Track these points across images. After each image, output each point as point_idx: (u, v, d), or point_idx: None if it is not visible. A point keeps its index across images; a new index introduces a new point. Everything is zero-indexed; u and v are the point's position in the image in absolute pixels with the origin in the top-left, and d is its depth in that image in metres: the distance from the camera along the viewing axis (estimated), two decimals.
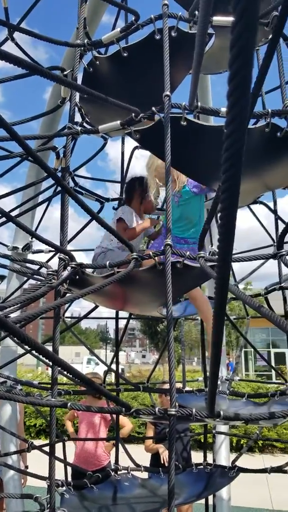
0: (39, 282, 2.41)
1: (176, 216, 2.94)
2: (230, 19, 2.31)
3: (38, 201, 3.86)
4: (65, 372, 2.30)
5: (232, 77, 0.58)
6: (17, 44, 3.16)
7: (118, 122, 2.28)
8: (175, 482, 3.03)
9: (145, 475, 3.42)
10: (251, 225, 4.02)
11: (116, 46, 2.61)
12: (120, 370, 4.36)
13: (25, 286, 4.04)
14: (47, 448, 3.19)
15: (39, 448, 3.07)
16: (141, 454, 4.17)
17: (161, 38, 2.33)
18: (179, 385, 4.80)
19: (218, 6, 2.41)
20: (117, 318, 3.71)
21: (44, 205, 3.91)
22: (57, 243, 2.50)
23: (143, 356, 61.82)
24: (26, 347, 2.51)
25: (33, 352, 2.50)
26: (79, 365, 31.00)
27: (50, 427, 2.17)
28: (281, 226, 3.42)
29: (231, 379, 3.96)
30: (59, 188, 3.40)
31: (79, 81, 2.69)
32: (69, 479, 3.87)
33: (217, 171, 2.32)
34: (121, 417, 4.35)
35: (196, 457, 4.84)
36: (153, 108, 2.21)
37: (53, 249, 3.26)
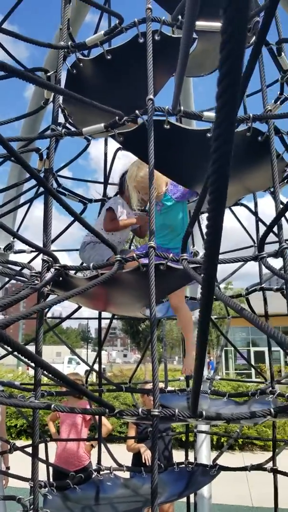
0: (21, 284, 2.41)
1: (158, 224, 2.94)
2: (213, 24, 2.34)
3: (20, 201, 3.85)
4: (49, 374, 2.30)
5: (222, 79, 0.59)
6: None
7: (102, 125, 2.29)
8: (157, 481, 3.07)
9: (127, 474, 3.43)
10: (231, 225, 4.07)
11: (100, 48, 2.62)
12: (101, 370, 4.36)
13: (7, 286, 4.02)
14: (29, 449, 3.20)
15: (22, 449, 3.06)
16: (123, 453, 4.18)
17: (144, 42, 2.35)
18: (161, 385, 4.83)
19: (201, 10, 2.44)
20: (100, 318, 3.72)
21: (26, 204, 3.89)
22: (39, 242, 2.50)
23: (125, 356, 61.82)
24: (8, 348, 2.50)
25: (15, 353, 2.50)
26: (60, 365, 30.83)
27: (33, 428, 2.18)
28: (262, 228, 3.48)
29: (212, 378, 4.00)
30: (41, 189, 3.40)
31: (63, 82, 2.69)
32: (50, 479, 3.87)
33: (199, 174, 2.35)
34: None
35: (177, 455, 4.88)
36: (137, 112, 2.23)
37: (35, 250, 3.25)
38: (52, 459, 4.81)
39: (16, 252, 4.25)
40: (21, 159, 2.09)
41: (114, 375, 21.01)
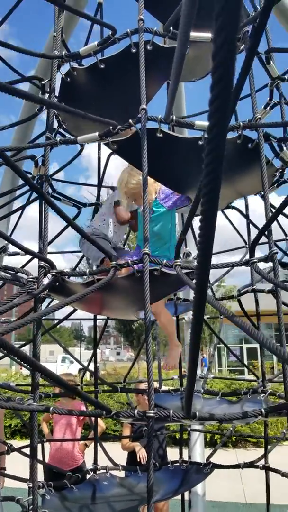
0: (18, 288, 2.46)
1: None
2: (204, 34, 2.40)
3: (13, 205, 3.89)
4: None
5: (214, 85, 0.63)
6: None
7: (97, 134, 2.34)
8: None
9: (122, 473, 3.49)
10: (224, 223, 4.15)
11: (93, 56, 2.67)
12: (92, 368, 4.41)
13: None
14: (26, 450, 3.25)
15: (19, 450, 3.11)
16: (117, 452, 4.24)
17: (137, 51, 2.40)
18: (155, 384, 4.90)
19: (196, 23, 2.50)
20: (95, 319, 3.78)
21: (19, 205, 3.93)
22: (32, 241, 2.54)
23: (118, 354, 61.89)
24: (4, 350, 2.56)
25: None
26: (53, 364, 30.82)
27: (32, 430, 2.23)
28: (252, 229, 3.55)
29: (206, 377, 4.07)
30: (35, 194, 3.45)
31: (57, 90, 2.73)
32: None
33: (192, 180, 2.43)
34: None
35: (171, 453, 4.95)
36: (130, 121, 2.28)
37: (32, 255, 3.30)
38: (45, 459, 4.86)
39: (10, 255, 4.29)
40: (16, 167, 2.14)
41: (107, 373, 21.08)
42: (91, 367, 4.13)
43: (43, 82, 2.77)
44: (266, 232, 2.40)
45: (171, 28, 2.39)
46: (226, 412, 3.04)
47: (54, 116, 2.85)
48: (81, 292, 1.93)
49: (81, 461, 5.24)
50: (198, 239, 0.87)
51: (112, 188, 4.48)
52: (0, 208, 3.66)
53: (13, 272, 2.80)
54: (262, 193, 2.78)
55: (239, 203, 3.61)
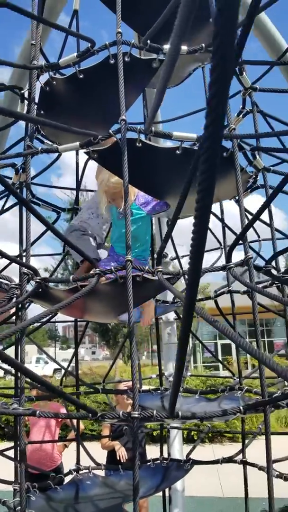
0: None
1: (122, 232, 3.06)
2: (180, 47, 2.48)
3: None
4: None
5: (211, 98, 0.70)
6: None
7: (78, 143, 2.40)
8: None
9: (102, 472, 3.56)
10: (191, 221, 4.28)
11: (72, 66, 2.73)
12: (70, 369, 4.47)
13: None
14: (8, 452, 3.29)
15: (3, 453, 3.15)
16: (96, 451, 4.30)
17: (115, 63, 2.48)
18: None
19: (168, 35, 2.59)
20: (76, 322, 3.83)
21: None
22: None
23: (93, 353, 61.71)
24: None
25: None
26: (27, 365, 30.28)
27: (18, 434, 2.28)
28: (227, 232, 3.68)
29: (184, 376, 4.18)
30: (11, 198, 3.49)
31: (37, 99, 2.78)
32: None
33: (169, 186, 2.52)
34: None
35: (149, 451, 5.06)
36: (110, 131, 2.36)
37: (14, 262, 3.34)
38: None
39: None
40: None
41: (83, 373, 21.03)
42: (66, 367, 4.19)
43: (22, 91, 2.80)
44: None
45: (149, 41, 2.47)
46: (204, 410, 3.16)
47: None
48: (66, 300, 1.99)
49: (59, 462, 5.30)
50: (191, 242, 0.94)
51: (92, 190, 4.54)
52: None
53: None
54: (237, 198, 2.92)
55: (214, 207, 3.72)
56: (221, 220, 3.60)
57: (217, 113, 0.74)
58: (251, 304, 2.44)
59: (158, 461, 3.44)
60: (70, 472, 3.21)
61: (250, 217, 2.79)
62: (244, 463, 3.24)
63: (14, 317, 3.27)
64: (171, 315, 4.60)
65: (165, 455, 3.84)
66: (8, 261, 4.05)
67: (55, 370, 23.44)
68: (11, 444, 3.16)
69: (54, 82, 2.71)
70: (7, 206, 3.51)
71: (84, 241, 3.42)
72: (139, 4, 3.00)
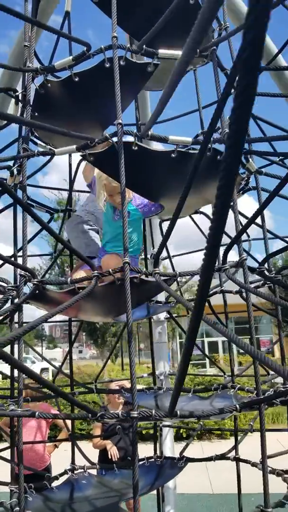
0: None
1: (119, 232, 3.09)
2: (175, 52, 2.53)
3: None
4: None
5: (236, 108, 0.72)
6: None
7: (74, 146, 2.43)
8: (129, 476, 3.26)
9: (94, 471, 3.58)
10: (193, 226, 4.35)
11: (67, 69, 2.75)
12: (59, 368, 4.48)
13: None
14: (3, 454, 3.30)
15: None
16: (87, 450, 4.33)
17: (110, 66, 2.50)
18: (126, 383, 5.02)
19: (162, 39, 2.63)
20: (70, 321, 3.85)
21: None
22: None
23: (80, 352, 61.50)
24: None
25: None
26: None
27: (18, 435, 2.30)
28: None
29: (175, 374, 4.23)
30: (2, 199, 3.49)
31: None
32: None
33: (164, 189, 2.56)
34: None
35: (139, 449, 5.08)
36: (107, 135, 2.38)
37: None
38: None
39: None
40: None
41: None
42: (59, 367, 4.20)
43: (17, 94, 2.81)
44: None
45: (144, 46, 2.50)
46: (196, 408, 3.20)
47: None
48: (67, 303, 2.01)
49: (48, 462, 5.32)
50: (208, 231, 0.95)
51: (85, 191, 4.55)
52: None
53: None
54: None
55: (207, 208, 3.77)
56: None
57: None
58: (243, 303, 2.49)
59: (152, 459, 3.47)
60: (65, 472, 3.23)
61: (241, 218, 2.85)
62: (237, 460, 3.30)
63: (6, 318, 3.27)
64: (162, 315, 4.64)
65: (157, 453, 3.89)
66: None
67: (42, 370, 23.36)
68: (7, 444, 3.17)
69: (49, 85, 2.72)
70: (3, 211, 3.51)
71: (88, 238, 3.43)
72: (132, 7, 3.03)
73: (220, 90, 2.68)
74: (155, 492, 4.11)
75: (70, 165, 3.88)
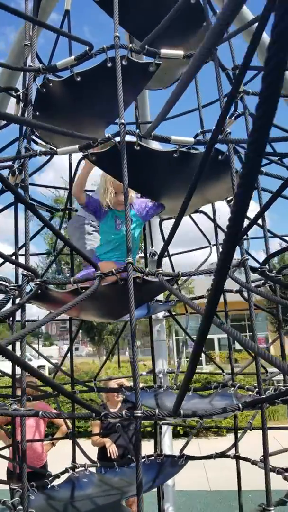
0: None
1: (119, 242, 3.08)
2: (176, 52, 2.53)
3: None
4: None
5: (259, 117, 0.73)
6: None
7: (77, 146, 2.43)
8: (129, 474, 3.28)
9: (93, 469, 3.58)
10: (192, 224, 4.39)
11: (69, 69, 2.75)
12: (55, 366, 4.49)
13: None
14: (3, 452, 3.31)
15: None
16: (86, 448, 4.34)
17: (112, 66, 2.50)
18: (125, 381, 5.04)
19: (162, 39, 2.63)
20: (71, 320, 3.85)
21: None
22: None
23: (76, 349, 61.47)
24: None
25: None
26: (9, 362, 30.25)
27: (21, 434, 2.31)
28: (220, 233, 3.75)
29: (177, 374, 4.26)
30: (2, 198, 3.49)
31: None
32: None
33: (165, 188, 2.56)
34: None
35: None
36: (109, 135, 2.39)
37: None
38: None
39: None
40: (1, 176, 2.19)
41: (68, 370, 20.93)
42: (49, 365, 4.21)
43: (18, 93, 2.81)
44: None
45: (147, 46, 2.49)
46: (198, 407, 3.22)
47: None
48: (70, 303, 2.02)
49: (45, 460, 5.34)
50: (226, 230, 0.95)
51: (88, 190, 4.54)
52: None
53: None
54: (229, 198, 2.99)
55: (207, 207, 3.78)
56: (213, 220, 3.67)
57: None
58: (239, 301, 2.50)
59: (153, 457, 3.49)
60: (66, 470, 3.25)
61: None
62: (237, 457, 3.32)
63: (8, 317, 3.27)
64: (161, 313, 4.65)
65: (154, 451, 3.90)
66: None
67: (39, 367, 23.31)
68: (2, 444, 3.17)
69: (51, 84, 2.72)
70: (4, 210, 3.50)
71: (92, 240, 3.44)
72: (132, 6, 3.03)
73: (221, 89, 2.69)
74: (154, 489, 4.12)
75: (70, 164, 3.88)
